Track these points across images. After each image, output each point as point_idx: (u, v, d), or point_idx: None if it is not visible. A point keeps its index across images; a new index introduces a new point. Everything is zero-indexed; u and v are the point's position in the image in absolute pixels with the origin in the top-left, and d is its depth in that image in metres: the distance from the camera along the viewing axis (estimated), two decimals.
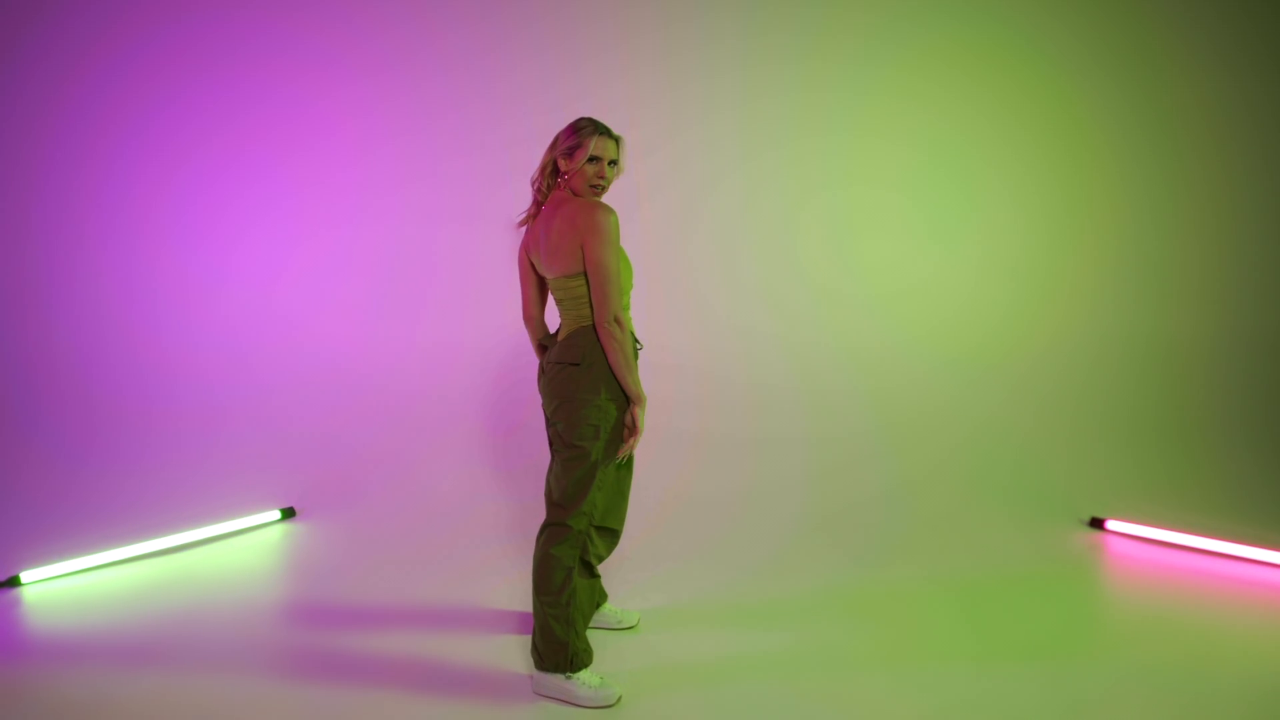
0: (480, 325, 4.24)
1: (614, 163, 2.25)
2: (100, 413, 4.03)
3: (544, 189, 2.28)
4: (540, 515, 3.54)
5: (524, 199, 4.04)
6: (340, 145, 4.25)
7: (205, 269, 4.22)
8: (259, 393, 4.17)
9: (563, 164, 2.23)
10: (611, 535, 2.49)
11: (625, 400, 2.22)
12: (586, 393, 2.16)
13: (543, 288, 2.42)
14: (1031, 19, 4.21)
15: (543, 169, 2.27)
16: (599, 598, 2.67)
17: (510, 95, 4.21)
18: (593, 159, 2.20)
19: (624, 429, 2.23)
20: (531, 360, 4.10)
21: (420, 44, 4.19)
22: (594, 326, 2.18)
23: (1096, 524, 3.60)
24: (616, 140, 2.26)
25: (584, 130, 2.21)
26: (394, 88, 4.22)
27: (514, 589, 2.99)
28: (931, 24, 4.23)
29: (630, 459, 2.43)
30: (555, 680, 2.24)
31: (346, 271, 4.30)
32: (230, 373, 4.18)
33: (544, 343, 2.45)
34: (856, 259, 4.36)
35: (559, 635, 2.23)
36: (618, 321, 2.13)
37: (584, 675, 2.25)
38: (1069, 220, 4.35)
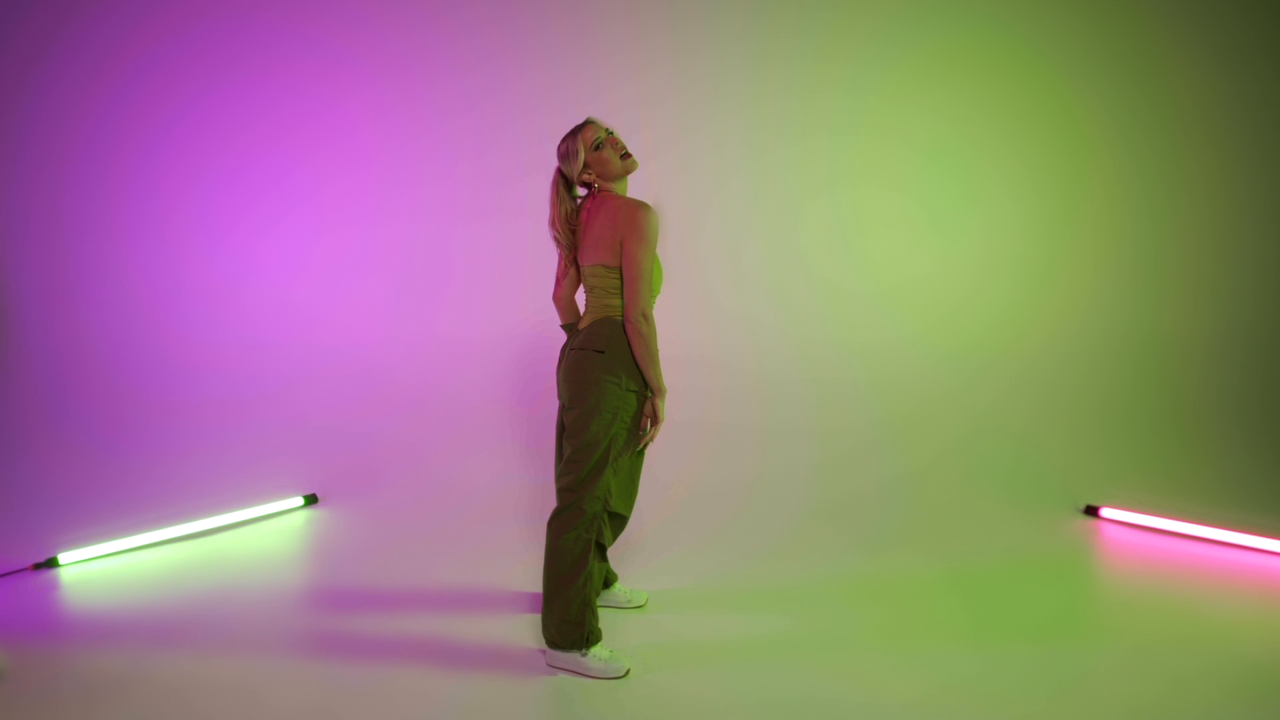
0: (495, 319, 4.30)
1: (609, 131, 2.33)
2: (130, 404, 4.10)
3: (569, 220, 2.34)
4: (552, 499, 3.64)
5: (537, 195, 3.99)
6: (359, 145, 4.32)
7: (229, 265, 4.28)
8: (282, 385, 4.23)
9: (587, 175, 2.32)
10: (620, 521, 2.59)
11: (646, 390, 2.30)
12: (608, 377, 2.24)
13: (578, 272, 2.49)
14: (1030, 20, 4.24)
15: (559, 219, 2.34)
16: (610, 578, 2.79)
17: (523, 95, 4.26)
18: (597, 146, 2.29)
19: (644, 418, 2.32)
20: (545, 353, 4.18)
21: (436, 47, 4.25)
22: (620, 318, 2.28)
23: (1091, 511, 3.67)
24: (591, 122, 2.34)
25: (565, 146, 2.31)
26: (411, 89, 4.29)
27: (528, 570, 3.07)
28: (933, 27, 4.26)
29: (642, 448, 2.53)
30: (568, 655, 2.33)
31: (365, 268, 4.36)
32: (254, 365, 4.23)
33: (566, 329, 2.53)
34: (860, 255, 4.41)
35: (574, 617, 2.29)
36: (645, 317, 2.22)
37: (595, 650, 2.33)
38: (1068, 217, 4.38)
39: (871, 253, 4.42)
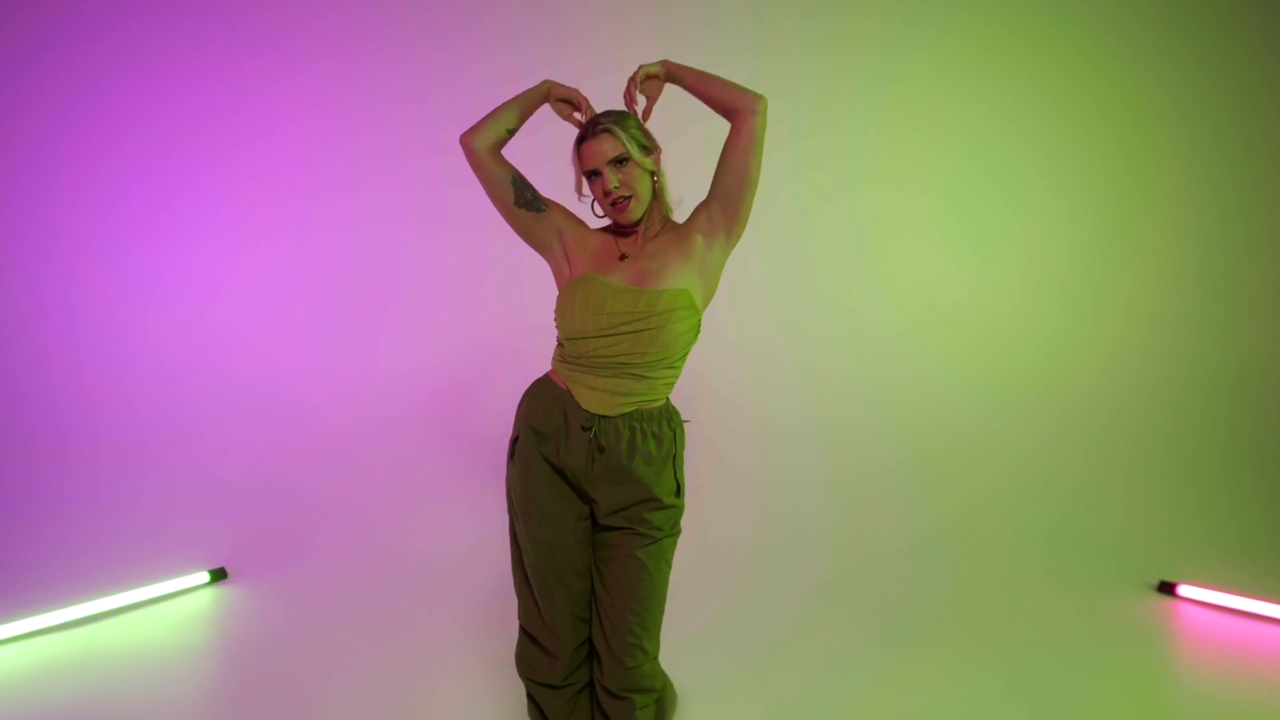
0: (449, 348, 4.21)
1: (621, 160, 1.79)
2: (3, 449, 3.83)
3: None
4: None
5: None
6: (285, 141, 4.17)
7: (129, 283, 4.14)
8: (188, 427, 4.02)
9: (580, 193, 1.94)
10: (540, 649, 1.94)
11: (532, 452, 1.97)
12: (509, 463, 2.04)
13: None
14: None
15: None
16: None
17: (482, 82, 4.07)
18: (589, 174, 1.82)
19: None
20: (509, 390, 3.86)
21: (378, 23, 4.08)
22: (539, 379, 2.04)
23: (1166, 589, 3.23)
24: (609, 130, 1.79)
25: (576, 144, 1.86)
26: (347, 74, 4.13)
27: (486, 663, 2.71)
28: (966, 3, 4.09)
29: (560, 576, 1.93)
30: None
31: (292, 286, 4.23)
32: (155, 403, 4.04)
33: None
34: (881, 273, 4.26)
35: None
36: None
37: None
38: (1126, 230, 4.20)
39: (894, 270, 4.27)
